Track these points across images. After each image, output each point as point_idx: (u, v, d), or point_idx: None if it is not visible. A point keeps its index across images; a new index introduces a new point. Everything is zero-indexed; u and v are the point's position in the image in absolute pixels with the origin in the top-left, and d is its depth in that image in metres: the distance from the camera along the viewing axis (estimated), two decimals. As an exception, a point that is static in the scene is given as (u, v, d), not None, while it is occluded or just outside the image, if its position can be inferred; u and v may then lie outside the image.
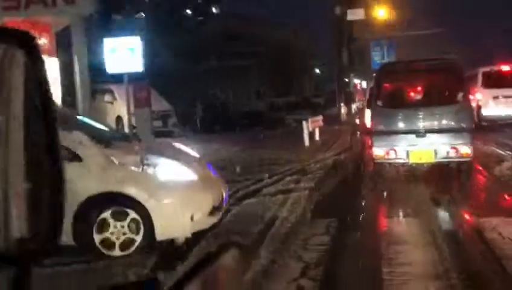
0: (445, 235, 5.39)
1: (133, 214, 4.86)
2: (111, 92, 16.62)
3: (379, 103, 8.64)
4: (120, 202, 4.92)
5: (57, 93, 12.49)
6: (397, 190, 7.98)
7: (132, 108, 12.76)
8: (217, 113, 24.52)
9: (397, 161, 8.17)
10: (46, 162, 0.82)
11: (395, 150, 7.99)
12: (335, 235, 5.50)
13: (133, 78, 13.70)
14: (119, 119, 15.93)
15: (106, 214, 4.85)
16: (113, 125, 16.22)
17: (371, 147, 8.52)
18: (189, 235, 5.01)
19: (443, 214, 6.31)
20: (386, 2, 28.87)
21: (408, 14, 31.26)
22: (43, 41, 11.29)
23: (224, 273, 0.78)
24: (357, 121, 17.51)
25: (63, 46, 12.77)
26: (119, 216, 4.87)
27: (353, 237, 5.47)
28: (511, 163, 9.22)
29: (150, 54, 17.64)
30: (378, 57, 32.86)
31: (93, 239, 4.81)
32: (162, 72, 22.44)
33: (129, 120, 12.66)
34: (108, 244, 4.83)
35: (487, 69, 16.58)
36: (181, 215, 5.01)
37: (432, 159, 8.03)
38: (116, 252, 4.83)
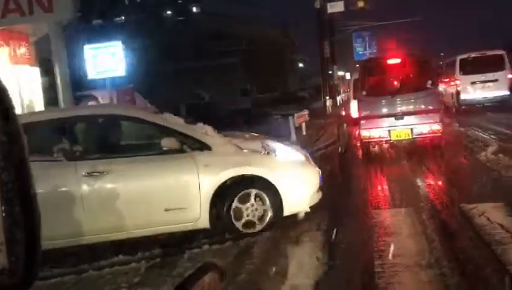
0: (434, 223, 5.43)
1: (263, 194, 5.44)
2: (95, 98, 16.46)
3: (364, 92, 10.41)
4: (252, 184, 5.45)
5: (39, 102, 12.36)
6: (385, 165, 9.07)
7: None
8: (201, 112, 24.40)
9: (381, 139, 9.87)
10: (17, 190, 0.80)
11: (379, 131, 9.68)
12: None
13: (117, 83, 13.60)
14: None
15: (241, 196, 5.39)
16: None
17: (359, 129, 10.14)
18: (308, 209, 5.68)
19: (432, 202, 6.34)
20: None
21: (387, 5, 31.45)
22: (22, 51, 11.15)
23: None
24: (343, 112, 17.55)
25: (43, 55, 12.63)
26: (252, 197, 5.42)
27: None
28: (496, 147, 9.34)
29: (133, 57, 17.53)
30: (360, 48, 33.04)
31: (231, 220, 5.35)
32: (145, 74, 22.31)
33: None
34: (245, 223, 5.39)
35: (464, 56, 17.33)
36: (302, 192, 5.65)
37: (409, 137, 9.65)
38: (256, 228, 5.43)
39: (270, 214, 5.46)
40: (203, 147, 5.40)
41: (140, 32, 29.43)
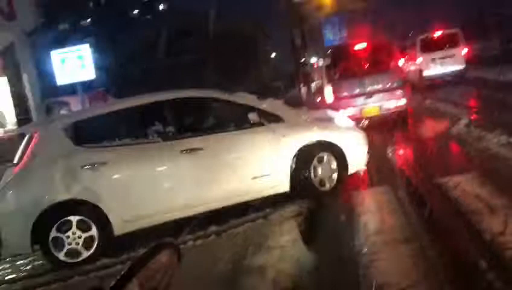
0: (411, 198, 5.54)
1: (331, 157, 6.15)
2: (66, 104, 16.23)
3: (336, 76, 11.56)
4: (323, 148, 6.15)
5: (10, 111, 12.14)
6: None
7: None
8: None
9: (354, 116, 10.24)
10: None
11: (352, 110, 10.47)
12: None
13: (88, 86, 13.43)
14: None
15: (318, 158, 6.09)
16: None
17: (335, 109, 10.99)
18: (365, 168, 6.60)
19: (408, 178, 6.46)
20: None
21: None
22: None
23: (160, 271, 0.78)
24: (318, 99, 17.64)
25: (10, 63, 12.39)
26: (323, 158, 6.14)
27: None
28: (467, 120, 9.54)
29: (102, 59, 17.30)
30: (330, 34, 33.16)
31: (311, 180, 6.04)
32: (115, 75, 22.06)
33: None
34: (320, 181, 6.13)
35: (424, 36, 19.16)
36: (362, 152, 6.43)
37: (378, 113, 10.65)
38: (326, 187, 6.17)
39: (336, 174, 6.21)
40: (278, 119, 6.07)
41: (108, 33, 29.01)
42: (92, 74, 11.79)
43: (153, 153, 5.56)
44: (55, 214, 5.17)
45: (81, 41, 13.20)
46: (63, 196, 5.20)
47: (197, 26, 34.36)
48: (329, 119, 6.77)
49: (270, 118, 6.03)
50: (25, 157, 5.32)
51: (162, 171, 5.58)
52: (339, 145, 6.19)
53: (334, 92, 11.05)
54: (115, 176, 5.42)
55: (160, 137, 5.64)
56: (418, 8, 37.87)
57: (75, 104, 14.77)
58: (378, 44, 12.17)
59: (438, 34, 18.98)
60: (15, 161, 5.47)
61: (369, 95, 10.64)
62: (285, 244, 4.76)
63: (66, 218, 5.18)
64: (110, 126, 5.76)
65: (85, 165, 5.29)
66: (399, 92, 10.83)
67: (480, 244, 4.00)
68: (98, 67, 13.39)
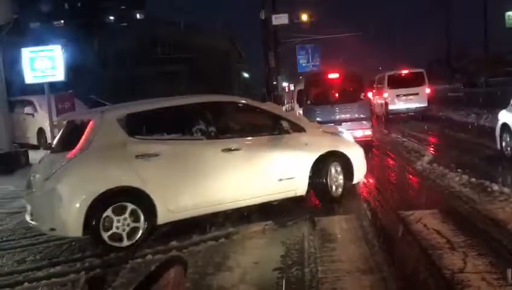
0: (375, 229, 5.59)
1: (338, 167, 6.84)
2: (31, 104, 15.79)
3: (308, 102, 12.07)
4: (336, 157, 6.83)
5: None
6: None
7: (55, 119, 12.20)
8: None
9: None
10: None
11: None
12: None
13: (56, 88, 13.13)
14: (41, 131, 15.17)
15: (327, 165, 6.73)
16: (35, 138, 15.44)
17: None
18: (364, 179, 7.62)
19: (372, 209, 6.53)
20: (309, 8, 29.64)
21: (331, 19, 32.44)
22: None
23: (169, 287, 0.76)
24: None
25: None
26: (339, 168, 6.85)
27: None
28: (431, 157, 9.79)
29: (73, 63, 16.98)
30: (303, 61, 33.68)
31: (327, 185, 6.71)
32: (86, 80, 21.66)
33: (52, 132, 12.09)
34: (331, 186, 6.77)
35: (392, 72, 20.57)
36: (363, 165, 7.20)
37: None
38: (338, 192, 6.88)
39: (342, 181, 6.89)
40: (300, 129, 6.72)
41: (82, 37, 28.57)
42: (62, 75, 11.54)
43: (198, 149, 6.00)
44: (111, 199, 5.39)
45: (54, 42, 12.90)
46: (119, 182, 5.48)
47: (173, 38, 34.29)
48: (338, 133, 7.48)
49: (294, 127, 6.64)
50: (80, 143, 5.51)
51: (205, 167, 5.97)
52: (348, 156, 6.91)
53: (305, 116, 11.10)
54: (166, 168, 5.74)
55: (203, 135, 6.04)
56: (391, 45, 39.08)
57: (41, 103, 14.41)
58: (350, 75, 12.77)
59: (404, 72, 20.34)
60: (53, 146, 5.84)
61: (338, 122, 10.84)
62: (246, 265, 4.70)
63: (122, 203, 5.41)
64: (159, 121, 6.07)
65: (139, 155, 5.58)
66: (366, 122, 11.41)
67: (440, 280, 4.05)
68: (69, 70, 13.13)
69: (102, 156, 5.55)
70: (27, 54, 11.53)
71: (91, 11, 39.22)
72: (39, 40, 14.34)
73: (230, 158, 6.05)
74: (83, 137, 5.55)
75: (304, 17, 26.23)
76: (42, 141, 15.06)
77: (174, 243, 5.52)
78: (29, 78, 11.53)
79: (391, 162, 10.38)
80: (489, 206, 6.08)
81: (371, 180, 8.26)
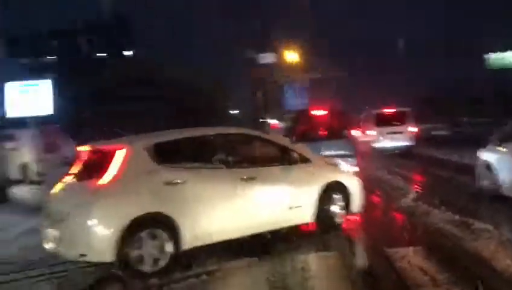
0: (360, 264, 5.54)
1: (338, 196, 7.27)
2: (11, 138, 15.50)
3: (294, 138, 11.94)
4: (338, 187, 7.28)
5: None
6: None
7: (41, 154, 12.09)
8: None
9: None
10: None
11: None
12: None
13: (41, 122, 13.08)
14: (25, 166, 14.93)
15: (330, 194, 7.17)
16: (18, 173, 15.18)
17: None
18: (361, 210, 7.71)
19: (357, 244, 6.50)
20: (296, 48, 30.26)
21: (318, 60, 33.15)
22: None
23: None
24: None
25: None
26: (338, 196, 7.27)
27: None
28: (415, 195, 9.82)
29: (61, 98, 16.99)
30: (291, 99, 34.10)
31: (331, 214, 7.19)
32: (71, 116, 21.63)
33: (37, 167, 11.95)
34: (335, 215, 7.24)
35: (378, 111, 20.97)
36: (361, 196, 7.59)
37: None
38: (340, 221, 7.32)
39: (344, 211, 7.33)
40: (307, 160, 7.14)
41: (70, 73, 28.69)
42: (50, 109, 11.54)
43: (220, 178, 6.28)
44: (141, 225, 5.53)
45: (42, 76, 12.96)
46: (150, 208, 5.64)
47: (159, 76, 34.48)
48: (337, 165, 7.84)
49: (302, 158, 7.07)
50: (111, 171, 5.71)
51: (226, 195, 6.25)
52: (349, 187, 7.37)
53: None
54: (193, 195, 5.94)
55: (223, 164, 6.35)
56: (377, 83, 39.80)
57: (25, 138, 14.23)
58: (336, 113, 13.23)
59: (391, 110, 20.77)
60: (73, 173, 6.15)
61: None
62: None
63: (151, 229, 5.57)
64: (183, 150, 6.38)
65: (168, 183, 5.80)
66: (352, 159, 11.57)
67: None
68: (55, 105, 13.13)
69: (134, 183, 5.73)
70: (14, 87, 11.54)
71: (82, 47, 39.55)
72: (29, 75, 14.41)
73: (247, 186, 6.40)
74: (113, 165, 5.74)
75: (291, 56, 26.71)
76: (26, 177, 14.80)
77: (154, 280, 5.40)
78: (12, 111, 11.50)
79: (377, 199, 10.35)
80: (473, 243, 6.07)
81: (356, 217, 8.22)
